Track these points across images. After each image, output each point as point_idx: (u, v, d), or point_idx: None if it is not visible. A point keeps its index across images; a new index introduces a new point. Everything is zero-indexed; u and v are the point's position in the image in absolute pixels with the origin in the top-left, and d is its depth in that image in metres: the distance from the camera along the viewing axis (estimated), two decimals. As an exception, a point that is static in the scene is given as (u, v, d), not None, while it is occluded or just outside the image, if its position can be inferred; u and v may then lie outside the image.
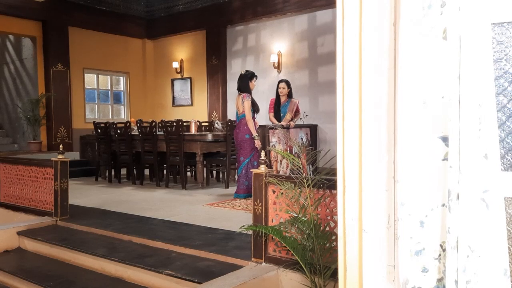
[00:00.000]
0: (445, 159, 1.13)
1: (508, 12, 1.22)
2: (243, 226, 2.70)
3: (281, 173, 5.52)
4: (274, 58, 9.03)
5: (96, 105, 11.06)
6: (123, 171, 7.71)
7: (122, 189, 6.60)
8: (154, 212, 4.73)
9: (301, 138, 7.29)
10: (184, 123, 6.99)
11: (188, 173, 7.33)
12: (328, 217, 2.62)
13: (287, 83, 6.05)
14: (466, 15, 1.09)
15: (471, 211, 1.09)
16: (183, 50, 10.87)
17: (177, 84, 11.04)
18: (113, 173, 7.47)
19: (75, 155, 8.81)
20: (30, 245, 4.05)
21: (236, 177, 5.87)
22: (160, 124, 6.87)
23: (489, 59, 1.09)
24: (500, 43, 1.24)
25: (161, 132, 6.73)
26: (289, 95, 6.08)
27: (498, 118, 1.22)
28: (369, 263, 1.32)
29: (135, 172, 7.21)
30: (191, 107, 10.77)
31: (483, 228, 1.08)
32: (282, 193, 2.74)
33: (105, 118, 10.73)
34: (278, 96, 6.05)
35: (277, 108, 6.02)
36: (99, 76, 10.99)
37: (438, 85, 1.13)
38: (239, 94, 5.52)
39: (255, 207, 2.90)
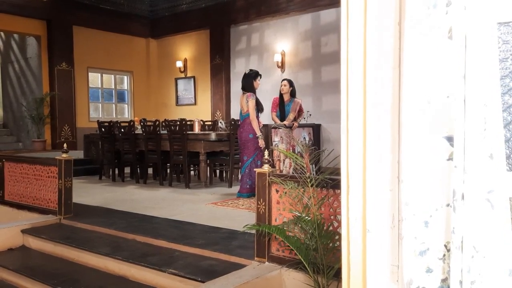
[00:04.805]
0: (450, 159, 1.13)
1: (514, 11, 1.21)
2: (246, 225, 2.70)
3: (284, 172, 5.52)
4: (277, 58, 9.03)
5: (100, 104, 11.10)
6: (127, 170, 7.73)
7: (126, 188, 6.61)
8: (158, 211, 4.74)
9: (304, 138, 7.28)
10: (188, 122, 7.00)
11: (192, 172, 7.34)
12: (332, 217, 2.62)
13: (289, 82, 6.04)
14: (472, 15, 1.09)
15: (476, 211, 1.08)
16: (187, 49, 10.89)
17: (181, 83, 11.05)
18: (116, 172, 7.49)
19: (79, 154, 8.84)
20: (34, 243, 4.07)
21: (240, 176, 5.87)
22: (163, 123, 6.89)
23: (495, 58, 1.09)
24: (506, 43, 1.23)
25: (165, 131, 6.74)
26: (292, 95, 6.07)
27: (504, 118, 1.22)
28: (373, 263, 1.32)
29: (138, 171, 7.23)
30: (195, 106, 10.78)
31: (488, 229, 1.08)
32: (285, 193, 2.74)
33: (109, 117, 10.76)
34: (281, 94, 6.05)
35: (281, 108, 6.02)
36: (103, 75, 11.03)
37: (443, 85, 1.13)
38: (244, 93, 5.51)
39: (258, 206, 2.90)
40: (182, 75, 10.98)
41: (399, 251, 1.25)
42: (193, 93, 10.80)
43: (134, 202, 5.30)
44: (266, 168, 2.87)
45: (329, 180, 2.53)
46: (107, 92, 11.24)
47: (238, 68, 9.76)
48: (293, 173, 2.78)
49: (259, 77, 5.60)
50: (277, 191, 2.84)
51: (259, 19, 9.41)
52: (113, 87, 11.34)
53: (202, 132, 6.99)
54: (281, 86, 6.05)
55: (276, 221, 2.85)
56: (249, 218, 3.72)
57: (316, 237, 2.44)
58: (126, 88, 11.54)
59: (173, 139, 6.53)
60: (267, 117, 6.77)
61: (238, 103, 5.81)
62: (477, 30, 1.08)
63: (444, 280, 1.15)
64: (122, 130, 7.35)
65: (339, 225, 2.51)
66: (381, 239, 1.30)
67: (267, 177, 2.84)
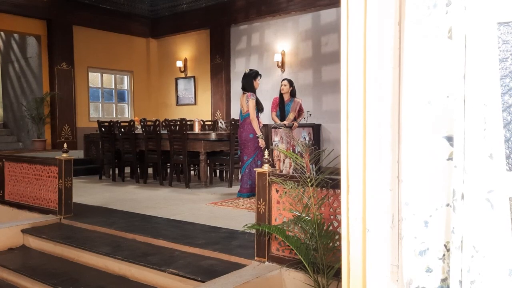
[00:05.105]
0: (449, 158, 1.13)
1: (514, 11, 1.21)
2: (246, 225, 2.71)
3: (284, 172, 5.52)
4: (278, 57, 9.03)
5: (100, 104, 11.09)
6: (127, 169, 7.73)
7: (126, 188, 6.62)
8: (158, 210, 4.74)
9: (304, 138, 7.28)
10: (188, 122, 7.00)
11: (192, 172, 7.34)
12: (332, 217, 2.62)
13: (289, 82, 6.06)
14: (472, 14, 1.09)
15: (475, 211, 1.08)
16: (187, 49, 10.89)
17: (181, 83, 11.05)
18: (117, 171, 7.50)
19: (79, 154, 8.85)
20: (35, 243, 4.07)
21: (240, 176, 5.87)
22: (164, 123, 6.89)
23: (495, 58, 1.09)
24: (506, 43, 1.23)
25: (165, 131, 6.74)
26: (292, 95, 6.07)
27: (504, 118, 1.22)
28: (373, 262, 1.32)
29: (138, 171, 7.23)
30: (195, 106, 10.78)
31: (487, 228, 1.08)
32: (285, 192, 2.74)
33: (109, 116, 10.77)
34: (281, 94, 6.06)
35: (281, 107, 6.03)
36: (103, 75, 11.03)
37: (443, 85, 1.13)
38: (244, 93, 5.52)
39: (259, 206, 2.90)
40: (182, 75, 10.98)
41: (399, 250, 1.26)
42: (193, 93, 10.80)
43: (134, 202, 5.30)
44: (266, 168, 2.87)
45: (329, 180, 2.53)
46: (107, 92, 11.24)
47: (238, 68, 9.76)
48: (293, 173, 2.79)
49: (259, 77, 5.60)
50: (277, 191, 2.85)
51: (259, 18, 9.40)
52: (113, 87, 11.33)
53: (202, 132, 6.99)
54: (281, 86, 6.06)
55: (276, 221, 2.85)
56: (249, 218, 3.73)
57: (316, 237, 2.44)
58: (126, 88, 11.54)
59: (173, 139, 6.53)
60: (267, 117, 6.77)
61: (238, 103, 5.81)
62: (477, 30, 1.08)
63: (444, 280, 1.15)
64: (122, 130, 7.35)
65: (339, 225, 2.51)
66: (381, 238, 1.31)
67: (267, 177, 2.84)
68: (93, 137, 8.55)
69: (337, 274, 2.31)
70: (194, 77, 10.75)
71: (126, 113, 11.55)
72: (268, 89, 8.64)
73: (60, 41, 9.72)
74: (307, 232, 2.48)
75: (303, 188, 2.58)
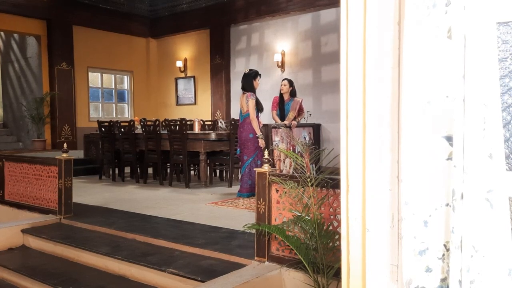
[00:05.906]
0: (449, 158, 1.13)
1: (514, 11, 1.21)
2: (246, 225, 2.71)
3: (284, 172, 5.51)
4: (277, 57, 9.03)
5: (100, 104, 11.09)
6: (127, 169, 7.73)
7: (126, 188, 6.62)
8: (158, 210, 4.74)
9: (304, 137, 7.28)
10: (188, 122, 7.01)
11: (192, 172, 7.34)
12: (332, 216, 2.62)
13: (289, 81, 6.07)
14: (471, 14, 1.09)
15: (475, 211, 1.08)
16: (187, 49, 10.89)
17: (181, 83, 11.05)
18: (116, 171, 7.50)
19: (79, 154, 8.85)
20: (34, 243, 4.07)
21: (240, 176, 5.87)
22: (163, 123, 6.89)
23: (494, 58, 1.09)
24: (505, 43, 1.23)
25: (165, 131, 6.75)
26: (292, 95, 6.08)
27: (503, 117, 1.22)
28: (373, 262, 1.32)
29: (138, 171, 7.23)
30: (195, 106, 10.79)
31: (487, 228, 1.08)
32: (285, 192, 2.74)
33: (109, 116, 10.77)
34: (281, 94, 6.07)
35: (281, 106, 6.04)
36: (103, 74, 11.03)
37: (443, 85, 1.13)
38: (244, 93, 5.52)
39: (258, 206, 2.90)
40: (182, 74, 10.98)
41: (399, 250, 1.26)
42: (193, 93, 10.80)
43: (134, 202, 5.30)
44: (266, 167, 2.87)
45: (329, 180, 2.53)
46: (107, 92, 11.24)
47: (238, 68, 9.76)
48: (293, 172, 2.79)
49: (258, 77, 5.61)
50: (277, 190, 2.85)
51: (259, 18, 9.41)
52: (113, 87, 11.33)
53: (202, 132, 6.99)
54: (281, 85, 6.07)
55: (276, 220, 2.85)
56: (249, 218, 3.73)
57: (316, 237, 2.44)
58: (126, 88, 11.54)
59: (173, 139, 6.53)
60: (267, 116, 6.77)
61: (238, 103, 5.82)
62: (477, 30, 1.08)
63: (444, 280, 1.15)
64: (122, 130, 7.35)
65: (339, 225, 2.51)
66: (381, 238, 1.31)
67: (267, 177, 2.84)
68: (93, 137, 8.55)
69: (337, 274, 2.31)
70: (194, 77, 10.75)
71: (126, 113, 11.55)
72: (268, 89, 8.64)
73: (60, 41, 9.72)
74: (307, 232, 2.48)
75: (303, 188, 2.58)
